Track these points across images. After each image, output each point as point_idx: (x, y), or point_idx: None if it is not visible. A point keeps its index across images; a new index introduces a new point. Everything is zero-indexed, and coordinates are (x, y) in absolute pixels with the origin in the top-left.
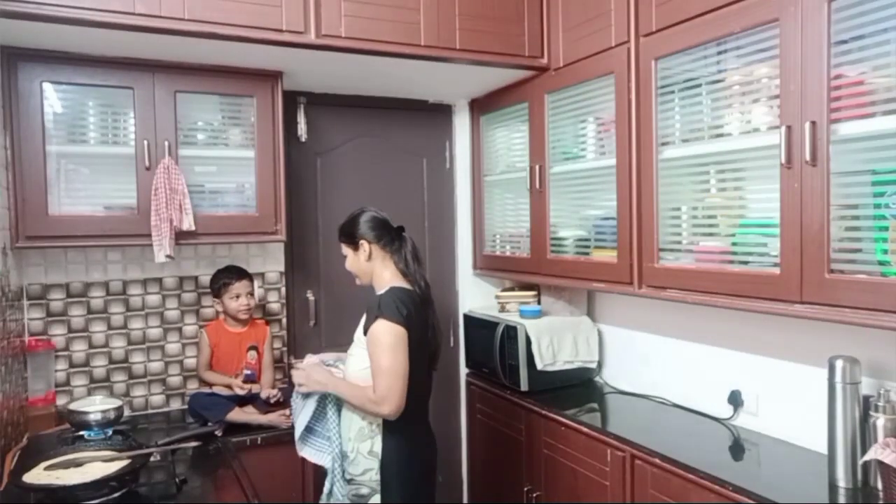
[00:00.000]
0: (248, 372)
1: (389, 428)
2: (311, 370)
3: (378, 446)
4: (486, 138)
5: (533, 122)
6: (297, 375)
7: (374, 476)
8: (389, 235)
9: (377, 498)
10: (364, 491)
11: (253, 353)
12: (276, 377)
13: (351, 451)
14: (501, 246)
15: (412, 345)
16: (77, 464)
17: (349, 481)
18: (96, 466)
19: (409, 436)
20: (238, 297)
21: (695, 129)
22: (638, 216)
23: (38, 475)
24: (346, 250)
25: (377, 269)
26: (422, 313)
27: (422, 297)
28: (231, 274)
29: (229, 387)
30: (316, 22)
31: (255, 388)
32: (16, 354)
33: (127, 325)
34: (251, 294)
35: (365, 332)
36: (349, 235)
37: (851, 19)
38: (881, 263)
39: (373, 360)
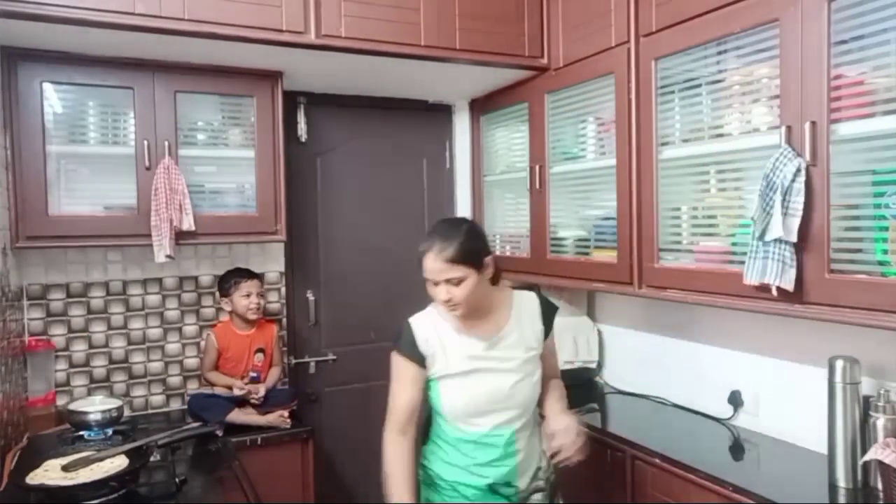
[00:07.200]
0: (254, 374)
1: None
2: None
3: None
4: (486, 138)
5: (533, 122)
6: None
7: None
8: None
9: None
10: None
11: (260, 356)
12: (280, 376)
13: (541, 458)
14: (501, 246)
15: None
16: (91, 461)
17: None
18: (98, 466)
19: None
20: (249, 295)
21: (695, 130)
22: (638, 216)
23: (44, 475)
24: (464, 272)
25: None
26: None
27: None
28: (242, 273)
29: (230, 387)
30: (316, 22)
31: (253, 391)
32: (16, 354)
33: (127, 325)
34: (261, 294)
35: (545, 336)
36: (475, 254)
37: (851, 19)
38: (881, 263)
39: (557, 358)
